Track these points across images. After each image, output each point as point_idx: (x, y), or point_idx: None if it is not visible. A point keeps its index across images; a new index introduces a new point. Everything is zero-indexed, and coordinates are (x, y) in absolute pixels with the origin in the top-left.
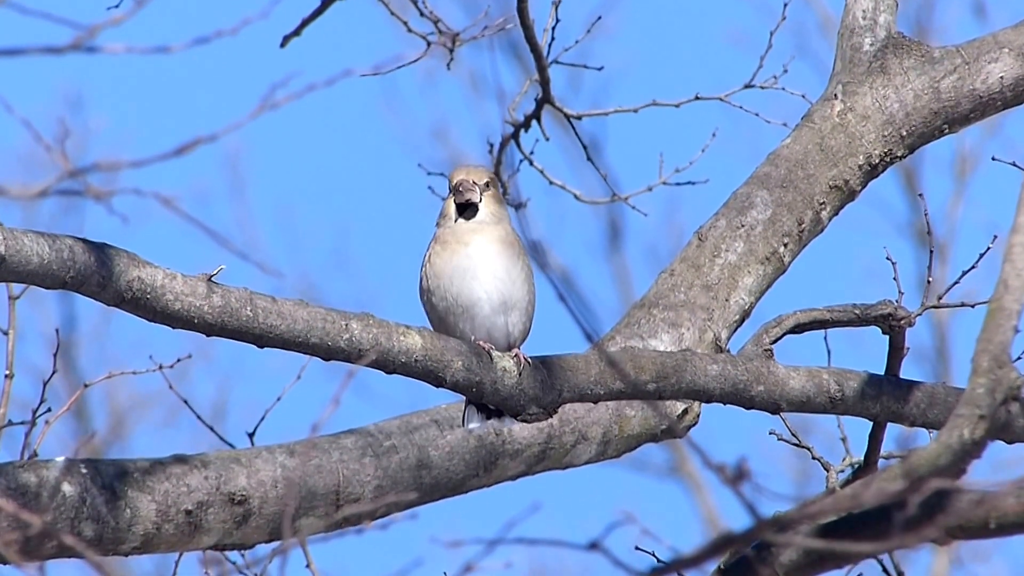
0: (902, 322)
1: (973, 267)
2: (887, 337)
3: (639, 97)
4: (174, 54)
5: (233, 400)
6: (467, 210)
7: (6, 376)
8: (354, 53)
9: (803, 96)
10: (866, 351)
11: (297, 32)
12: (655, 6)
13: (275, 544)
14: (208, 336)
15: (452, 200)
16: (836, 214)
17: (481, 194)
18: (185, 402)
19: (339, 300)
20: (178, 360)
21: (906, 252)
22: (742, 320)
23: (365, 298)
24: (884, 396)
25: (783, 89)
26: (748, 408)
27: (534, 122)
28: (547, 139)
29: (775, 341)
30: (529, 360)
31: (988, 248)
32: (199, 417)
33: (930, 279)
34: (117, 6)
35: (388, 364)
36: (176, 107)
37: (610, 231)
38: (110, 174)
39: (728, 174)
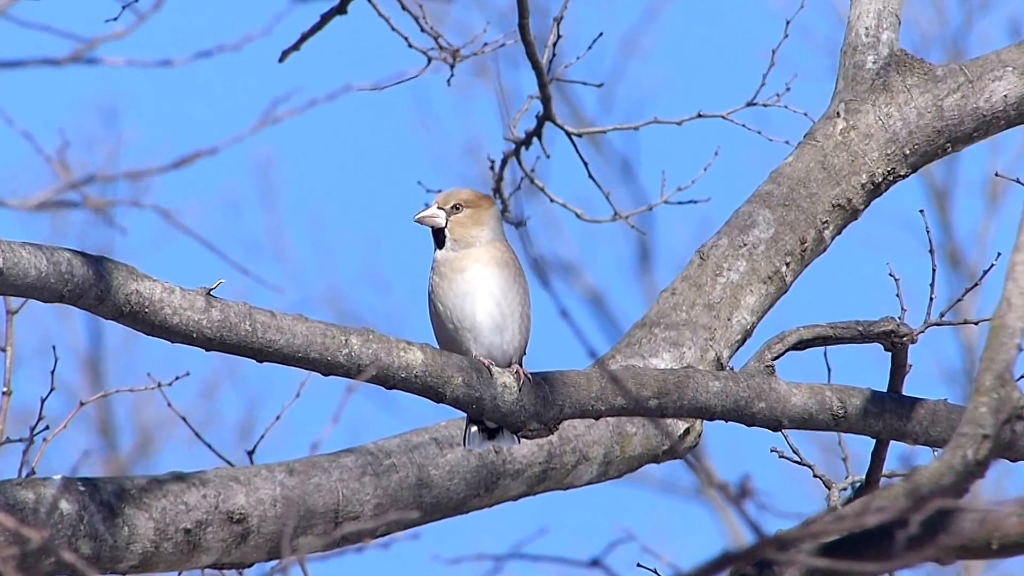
0: (904, 339)
1: (976, 284)
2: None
3: (679, 113)
4: (178, 67)
5: (262, 418)
6: (436, 237)
7: (4, 393)
8: (361, 66)
9: (806, 114)
10: (869, 368)
11: (296, 47)
12: (693, 23)
13: (274, 563)
14: (207, 351)
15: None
16: (839, 233)
17: (447, 219)
18: (184, 419)
19: (367, 311)
20: (176, 378)
21: (938, 273)
22: (744, 339)
23: (393, 310)
24: (887, 414)
25: (786, 107)
26: (749, 425)
27: (564, 135)
28: (548, 156)
29: (777, 357)
30: (529, 376)
31: (992, 265)
32: (197, 434)
33: (932, 296)
34: (116, 19)
35: (388, 379)
36: (209, 117)
37: (639, 251)
38: (137, 184)
39: (736, 191)
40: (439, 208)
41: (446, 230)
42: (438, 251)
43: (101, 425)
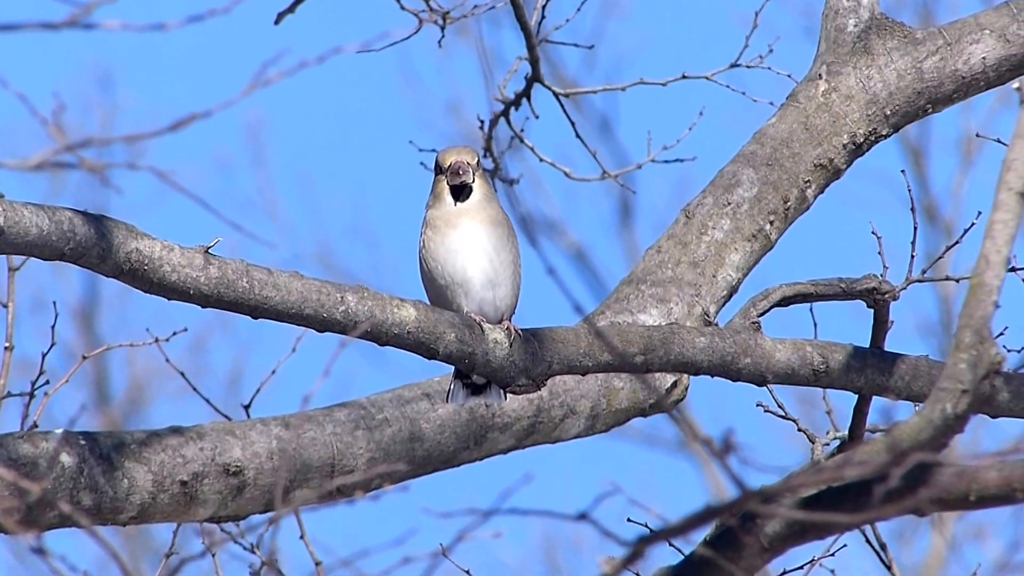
0: (886, 296)
1: (957, 243)
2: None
3: (659, 74)
4: (171, 31)
5: (249, 370)
6: (461, 192)
7: (6, 348)
8: (350, 28)
9: (789, 76)
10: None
11: (291, 9)
12: None
13: (269, 515)
14: (204, 307)
15: (444, 182)
16: (821, 192)
17: (474, 175)
18: (182, 374)
19: (356, 268)
20: (173, 333)
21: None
22: (730, 296)
23: (382, 267)
24: (868, 369)
25: (769, 68)
26: (735, 380)
27: (547, 96)
28: (536, 117)
29: (762, 314)
30: (520, 332)
31: (973, 224)
32: (195, 388)
33: (914, 254)
34: None
35: (381, 336)
36: (205, 83)
37: (621, 209)
38: (133, 147)
39: (720, 151)
40: (468, 165)
41: (474, 185)
42: (431, 210)
43: (96, 378)
